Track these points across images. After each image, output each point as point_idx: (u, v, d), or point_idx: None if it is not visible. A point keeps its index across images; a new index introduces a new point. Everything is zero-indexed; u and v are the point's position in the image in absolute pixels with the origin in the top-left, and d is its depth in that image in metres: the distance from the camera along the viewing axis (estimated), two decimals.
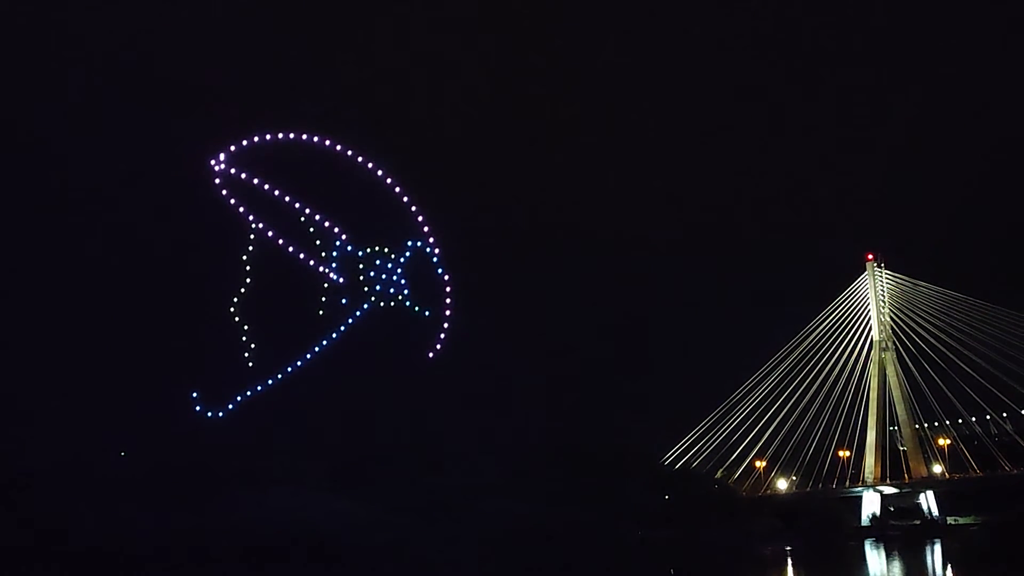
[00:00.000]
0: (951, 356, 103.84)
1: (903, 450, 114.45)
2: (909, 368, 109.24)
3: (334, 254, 68.48)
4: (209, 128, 69.13)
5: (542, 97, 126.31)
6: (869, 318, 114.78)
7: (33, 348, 63.69)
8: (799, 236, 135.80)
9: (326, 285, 68.24)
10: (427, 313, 70.32)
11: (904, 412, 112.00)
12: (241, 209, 66.28)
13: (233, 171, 66.44)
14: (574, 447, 78.95)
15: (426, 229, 71.79)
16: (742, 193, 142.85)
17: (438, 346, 70.36)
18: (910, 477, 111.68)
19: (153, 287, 66.30)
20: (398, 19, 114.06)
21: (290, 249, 67.03)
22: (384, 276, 69.65)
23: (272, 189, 67.06)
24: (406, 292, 70.23)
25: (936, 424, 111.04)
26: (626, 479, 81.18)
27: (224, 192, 66.22)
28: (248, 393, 65.28)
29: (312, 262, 67.49)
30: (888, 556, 79.30)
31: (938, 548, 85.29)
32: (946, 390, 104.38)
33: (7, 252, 66.36)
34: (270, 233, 66.73)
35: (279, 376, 66.23)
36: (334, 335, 68.10)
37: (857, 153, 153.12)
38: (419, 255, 71.21)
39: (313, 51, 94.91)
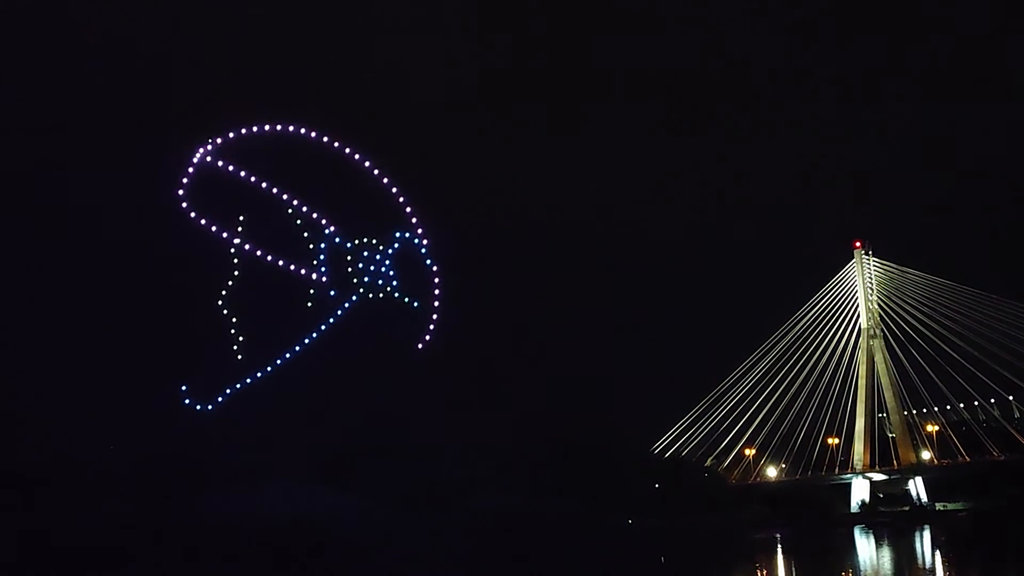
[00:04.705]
0: (939, 343, 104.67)
1: (892, 437, 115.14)
2: (897, 355, 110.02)
3: (322, 246, 68.15)
4: (194, 120, 68.71)
5: (534, 89, 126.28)
6: (857, 306, 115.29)
7: (20, 344, 63.33)
8: (788, 224, 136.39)
9: (314, 277, 67.94)
10: (416, 304, 70.14)
11: (892, 399, 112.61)
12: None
13: (220, 163, 66.01)
14: (564, 437, 79.03)
15: (414, 219, 71.61)
16: (731, 182, 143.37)
17: (427, 337, 70.23)
18: (899, 464, 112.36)
19: (141, 280, 65.94)
20: (386, 9, 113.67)
21: (270, 258, 66.39)
22: (372, 267, 69.35)
23: (259, 181, 66.66)
24: (395, 283, 69.98)
25: (924, 411, 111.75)
26: (616, 468, 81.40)
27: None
28: (237, 386, 64.93)
29: (293, 266, 66.94)
30: (877, 542, 79.76)
31: (927, 534, 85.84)
32: (934, 377, 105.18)
33: None
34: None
35: (268, 369, 65.88)
36: (323, 327, 67.80)
37: (845, 142, 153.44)
38: (407, 246, 70.96)
39: (299, 41, 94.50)
